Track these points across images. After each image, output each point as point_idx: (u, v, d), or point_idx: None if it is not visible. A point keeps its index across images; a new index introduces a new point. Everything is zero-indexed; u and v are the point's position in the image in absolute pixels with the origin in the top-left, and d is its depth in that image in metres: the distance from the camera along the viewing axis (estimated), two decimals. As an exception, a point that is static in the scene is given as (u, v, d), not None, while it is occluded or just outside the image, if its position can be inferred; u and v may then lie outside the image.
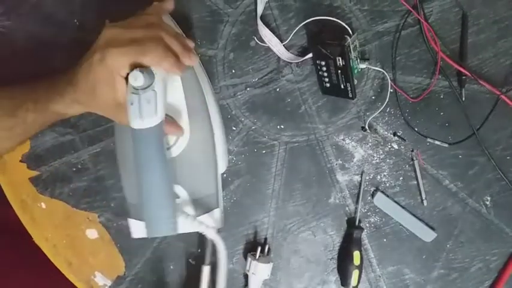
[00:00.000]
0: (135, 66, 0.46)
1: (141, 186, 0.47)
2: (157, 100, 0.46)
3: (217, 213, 0.55)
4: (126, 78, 0.46)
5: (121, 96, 0.47)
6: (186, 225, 0.51)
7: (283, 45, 0.58)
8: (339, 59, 0.54)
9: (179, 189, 0.54)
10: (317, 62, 0.56)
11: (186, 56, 0.49)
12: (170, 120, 0.52)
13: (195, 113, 0.54)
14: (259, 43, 0.59)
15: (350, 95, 0.56)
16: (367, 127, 0.58)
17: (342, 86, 0.56)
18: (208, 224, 0.52)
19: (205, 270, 0.58)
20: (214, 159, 0.55)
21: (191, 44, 0.51)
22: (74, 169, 0.61)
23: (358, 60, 0.56)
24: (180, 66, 0.48)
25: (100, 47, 0.47)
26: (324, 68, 0.56)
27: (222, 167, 0.58)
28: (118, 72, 0.46)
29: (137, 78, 0.45)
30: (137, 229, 0.55)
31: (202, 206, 0.55)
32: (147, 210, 0.48)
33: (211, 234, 0.52)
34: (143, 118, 0.46)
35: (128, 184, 0.55)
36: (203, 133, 0.54)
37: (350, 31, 0.55)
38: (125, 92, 0.47)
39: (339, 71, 0.55)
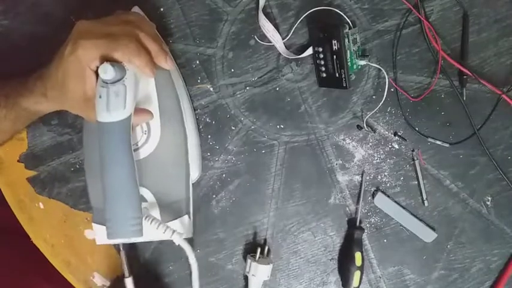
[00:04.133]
0: (106, 60, 0.45)
1: (105, 183, 0.45)
2: (127, 94, 0.45)
3: (185, 220, 0.53)
4: (97, 74, 0.45)
5: (90, 91, 0.46)
6: (151, 230, 0.49)
7: (283, 42, 0.58)
8: (334, 42, 0.53)
9: (146, 193, 0.52)
10: (315, 49, 0.56)
11: (161, 57, 0.48)
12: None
13: (167, 115, 0.52)
14: (259, 41, 0.58)
15: (344, 84, 0.56)
16: (364, 125, 0.58)
17: (337, 75, 0.55)
18: (175, 230, 0.50)
19: (128, 282, 0.57)
20: (186, 164, 0.54)
21: (166, 49, 0.51)
22: (72, 169, 0.61)
23: (357, 54, 0.56)
24: (153, 67, 0.47)
25: (71, 39, 0.46)
26: (321, 56, 0.56)
27: (195, 174, 0.57)
28: (88, 65, 0.45)
29: (107, 71, 0.43)
30: (102, 235, 0.51)
31: (170, 212, 0.53)
32: (110, 209, 0.45)
33: (177, 240, 0.50)
34: (110, 111, 0.44)
35: (93, 187, 0.54)
36: (175, 136, 0.53)
37: (350, 23, 0.55)
38: (94, 86, 0.46)
39: (334, 57, 0.54)
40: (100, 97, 0.45)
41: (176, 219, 0.53)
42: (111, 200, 0.45)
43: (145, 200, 0.52)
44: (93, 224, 0.54)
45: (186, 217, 0.53)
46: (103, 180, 0.45)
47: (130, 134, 0.45)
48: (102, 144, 0.45)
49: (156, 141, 0.52)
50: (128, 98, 0.45)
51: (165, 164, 0.52)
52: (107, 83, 0.45)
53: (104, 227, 0.47)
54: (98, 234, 0.54)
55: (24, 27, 0.60)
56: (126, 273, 0.57)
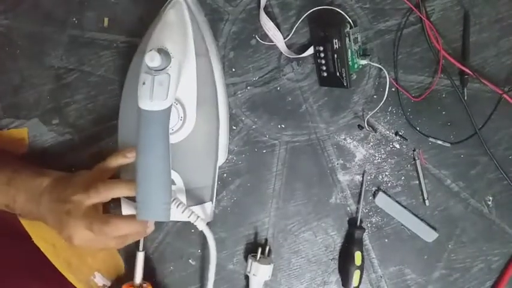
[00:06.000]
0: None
1: (140, 167, 0.47)
2: (170, 84, 0.45)
3: (208, 206, 0.55)
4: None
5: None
6: (176, 213, 0.50)
7: (284, 42, 0.58)
8: (335, 41, 0.54)
9: (175, 176, 0.53)
10: (316, 48, 0.56)
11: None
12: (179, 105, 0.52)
13: (203, 103, 0.53)
14: (260, 41, 0.58)
15: (345, 84, 0.56)
16: (365, 125, 0.58)
17: (338, 74, 0.55)
18: (199, 215, 0.52)
19: (140, 256, 0.57)
20: (215, 151, 0.55)
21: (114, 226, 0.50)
22: (73, 169, 0.61)
23: (358, 54, 0.56)
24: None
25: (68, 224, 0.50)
26: (322, 55, 0.56)
27: (221, 159, 0.58)
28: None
29: (154, 59, 0.43)
30: (128, 208, 0.55)
31: (195, 197, 0.55)
32: (142, 192, 0.47)
33: (201, 226, 0.52)
34: (153, 100, 0.45)
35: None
36: (209, 124, 0.54)
37: (351, 23, 0.55)
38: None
39: (335, 56, 0.54)
40: (144, 84, 0.45)
41: (200, 204, 0.55)
42: (144, 183, 0.47)
43: (173, 183, 0.53)
44: (121, 198, 0.55)
45: (209, 203, 0.55)
46: (138, 163, 0.47)
47: (169, 123, 0.47)
48: (141, 130, 0.46)
49: (191, 128, 0.53)
50: (171, 88, 0.45)
51: (196, 151, 0.54)
52: (151, 69, 0.45)
53: (132, 202, 0.52)
54: (125, 206, 0.56)
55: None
56: (141, 247, 0.57)
